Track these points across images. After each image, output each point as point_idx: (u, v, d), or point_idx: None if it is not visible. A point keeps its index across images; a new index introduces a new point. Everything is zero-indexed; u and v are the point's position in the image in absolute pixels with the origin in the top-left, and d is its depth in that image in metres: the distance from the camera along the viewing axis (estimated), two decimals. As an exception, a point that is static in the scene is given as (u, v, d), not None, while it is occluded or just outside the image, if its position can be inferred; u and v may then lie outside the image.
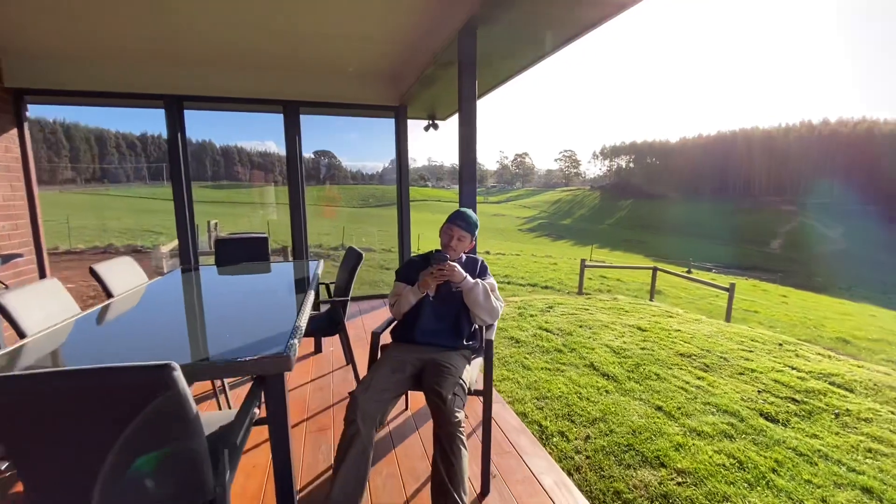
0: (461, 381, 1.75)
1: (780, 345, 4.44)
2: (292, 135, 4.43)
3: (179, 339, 1.75)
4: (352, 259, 2.81)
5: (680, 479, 2.31)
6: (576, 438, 2.74)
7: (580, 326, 4.94)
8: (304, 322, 1.80)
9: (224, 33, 3.22)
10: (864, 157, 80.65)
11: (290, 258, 5.09)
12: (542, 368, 3.79)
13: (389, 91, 4.61)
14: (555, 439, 2.73)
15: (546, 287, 12.74)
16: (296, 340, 1.55)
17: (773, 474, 2.36)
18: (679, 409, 3.06)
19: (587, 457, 2.57)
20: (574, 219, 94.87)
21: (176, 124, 4.17)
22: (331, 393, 2.77)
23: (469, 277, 1.98)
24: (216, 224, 14.90)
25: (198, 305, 2.28)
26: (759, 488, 2.26)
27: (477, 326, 2.11)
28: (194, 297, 2.45)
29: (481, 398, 1.85)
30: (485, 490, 1.86)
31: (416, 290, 2.00)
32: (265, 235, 3.74)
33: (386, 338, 2.10)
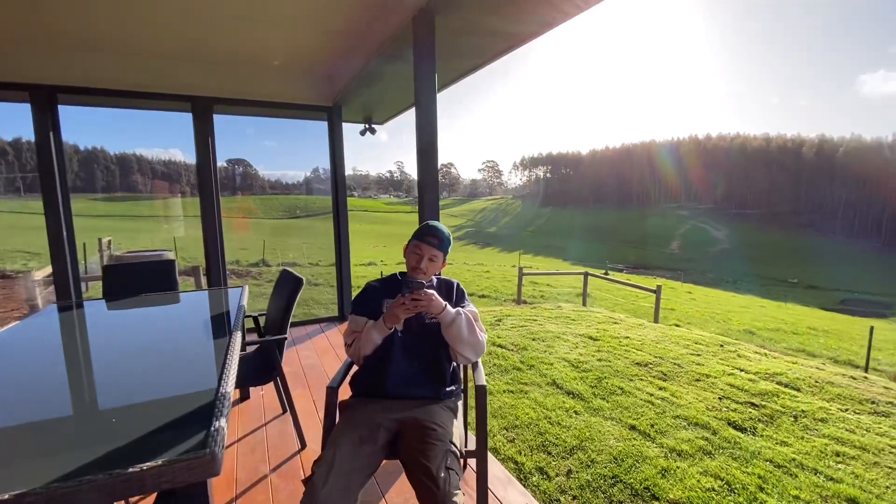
0: (453, 448, 1.35)
1: (722, 346, 4.59)
2: (204, 137, 3.74)
3: (24, 436, 1.13)
4: (288, 285, 2.28)
5: (677, 514, 2.10)
6: (557, 475, 2.45)
7: (533, 339, 4.75)
8: (230, 385, 1.29)
9: (112, 10, 2.53)
10: (740, 168, 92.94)
11: (204, 281, 4.33)
12: (504, 391, 3.49)
13: (322, 89, 4.09)
14: (534, 479, 2.41)
15: (483, 296, 12.67)
16: (223, 422, 1.05)
17: (762, 493, 2.24)
18: (652, 426, 2.91)
19: (574, 497, 2.28)
20: (499, 226, 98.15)
21: (47, 121, 3.31)
22: (266, 456, 2.20)
23: (449, 307, 1.59)
24: (109, 241, 12.88)
25: (67, 365, 1.63)
26: (755, 513, 2.12)
27: (457, 365, 1.73)
28: (63, 352, 1.78)
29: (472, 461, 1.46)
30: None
31: (382, 326, 1.57)
32: (171, 258, 3.04)
33: (344, 391, 1.63)
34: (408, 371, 1.57)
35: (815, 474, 2.42)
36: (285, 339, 2.15)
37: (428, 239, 1.69)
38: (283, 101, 4.07)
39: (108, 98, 3.56)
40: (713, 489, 2.27)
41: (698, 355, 4.25)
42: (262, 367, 2.18)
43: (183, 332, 1.99)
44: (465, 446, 1.48)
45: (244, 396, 2.79)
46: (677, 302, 15.30)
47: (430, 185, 2.31)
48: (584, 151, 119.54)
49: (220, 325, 1.99)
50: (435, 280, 1.81)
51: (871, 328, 7.14)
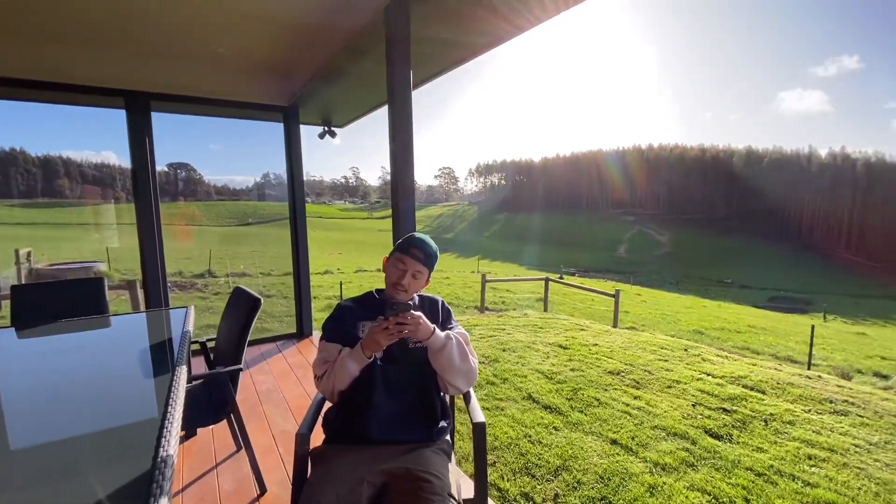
0: (452, 503, 1.15)
1: (686, 350, 4.67)
2: (140, 136, 3.32)
3: None
4: (242, 306, 1.99)
5: (671, 536, 2.01)
6: (544, 500, 2.30)
7: (503, 350, 4.62)
8: (173, 444, 1.02)
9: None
10: (679, 176, 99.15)
11: (142, 296, 3.86)
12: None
13: (278, 87, 3.77)
14: (520, 506, 2.25)
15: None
16: (165, 501, 0.80)
17: (749, 506, 2.20)
18: (633, 438, 2.84)
19: (565, 521, 2.14)
20: (456, 232, 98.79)
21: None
22: (218, 507, 1.89)
23: (438, 330, 1.39)
24: (29, 253, 11.49)
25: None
26: (745, 528, 2.06)
27: (447, 397, 1.53)
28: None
29: (474, 510, 1.27)
30: None
31: (359, 354, 1.34)
32: (101, 271, 2.62)
33: (317, 435, 1.38)
34: (392, 409, 1.35)
35: (794, 480, 2.43)
36: (241, 369, 1.86)
37: (413, 252, 1.49)
38: (232, 100, 3.72)
39: (20, 90, 3.07)
40: (702, 506, 2.21)
41: (666, 361, 4.30)
42: (213, 403, 1.88)
43: (110, 370, 1.65)
44: (460, 494, 1.28)
45: (190, 433, 2.44)
46: (629, 304, 15.87)
47: (405, 191, 2.11)
48: (536, 159, 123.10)
49: (163, 357, 1.67)
50: (417, 298, 1.61)
51: (812, 327, 7.66)
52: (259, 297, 1.95)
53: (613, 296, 8.63)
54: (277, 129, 4.09)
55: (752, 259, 73.26)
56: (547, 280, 10.24)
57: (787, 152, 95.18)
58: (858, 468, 2.55)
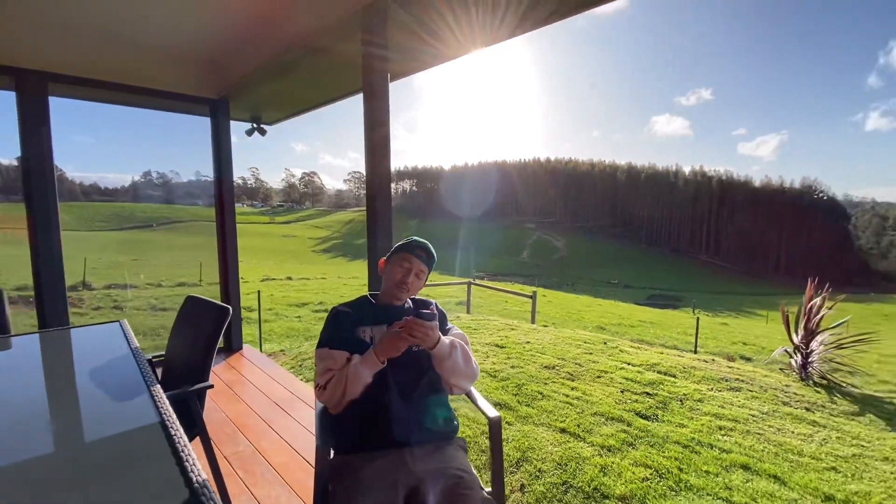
0: (486, 496, 1.18)
1: (605, 343, 5.17)
2: (35, 123, 2.80)
3: None
4: (205, 317, 1.80)
5: (628, 509, 2.24)
6: (512, 491, 2.41)
7: (444, 353, 4.69)
8: (200, 470, 0.92)
9: None
10: (573, 187, 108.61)
11: (35, 312, 3.22)
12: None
13: (208, 77, 3.44)
14: (491, 501, 2.33)
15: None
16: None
17: (683, 474, 2.53)
18: (578, 426, 3.08)
19: (535, 500, 2.27)
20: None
21: None
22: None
23: (443, 338, 1.41)
24: None
25: None
26: (683, 492, 2.37)
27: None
28: None
29: None
30: None
31: (373, 360, 1.31)
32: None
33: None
34: (409, 412, 1.34)
35: (712, 448, 2.84)
36: (210, 386, 1.68)
37: (418, 252, 1.50)
38: (152, 88, 3.31)
39: None
40: (647, 478, 2.48)
41: (591, 353, 4.72)
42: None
43: (29, 421, 1.38)
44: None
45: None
46: (538, 304, 17.04)
47: (381, 193, 2.08)
48: (446, 167, 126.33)
49: (119, 381, 1.45)
50: (410, 302, 1.62)
51: (697, 319, 8.95)
52: (227, 306, 1.78)
53: (531, 297, 9.22)
54: (164, 121, 3.72)
55: (633, 262, 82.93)
56: (470, 283, 10.58)
57: (660, 168, 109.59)
58: (758, 434, 3.07)
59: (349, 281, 20.09)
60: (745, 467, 2.62)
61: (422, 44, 2.33)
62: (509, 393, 3.65)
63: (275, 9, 2.41)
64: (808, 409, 3.53)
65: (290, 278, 20.75)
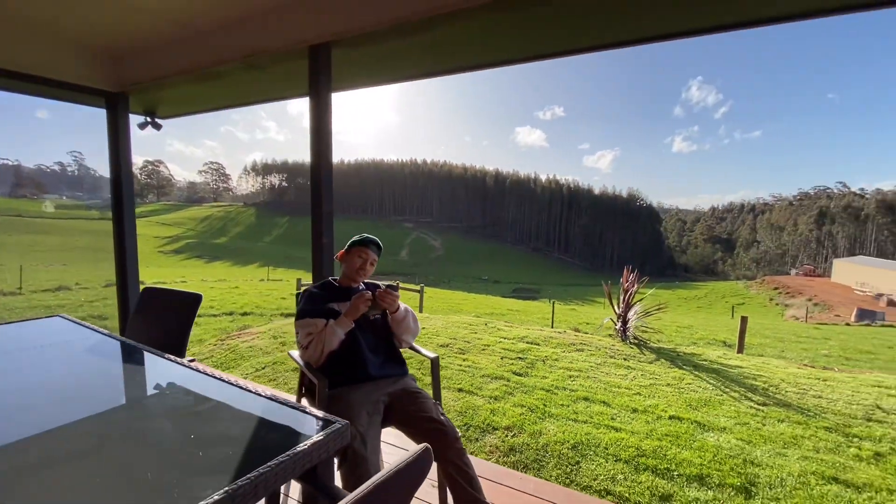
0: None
1: (486, 324, 6.15)
2: None
3: None
4: (172, 307, 2.05)
5: (511, 433, 3.05)
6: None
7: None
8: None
9: None
10: (448, 189, 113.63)
11: None
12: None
13: (107, 70, 3.36)
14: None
15: (246, 314, 11.64)
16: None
17: (547, 408, 3.46)
18: (471, 385, 3.87)
19: (445, 446, 2.94)
20: (230, 237, 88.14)
21: None
22: None
23: (402, 304, 1.99)
24: None
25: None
26: (548, 420, 3.28)
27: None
28: None
29: (437, 413, 1.92)
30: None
31: (345, 322, 1.82)
32: None
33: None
34: (377, 357, 1.88)
35: (565, 390, 3.87)
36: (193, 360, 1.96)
37: (372, 247, 2.04)
38: (37, 75, 3.13)
39: None
40: (523, 414, 3.35)
41: (476, 333, 5.62)
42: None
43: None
44: (427, 405, 1.93)
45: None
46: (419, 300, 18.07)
47: (324, 195, 2.50)
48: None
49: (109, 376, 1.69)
50: (363, 284, 2.14)
51: (553, 304, 10.67)
52: (199, 294, 2.06)
53: (419, 291, 10.00)
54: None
55: (500, 259, 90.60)
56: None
57: (522, 176, 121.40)
58: (595, 377, 4.22)
59: (216, 284, 18.44)
60: (586, 399, 3.68)
61: (364, 70, 2.83)
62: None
63: (210, 20, 2.65)
64: (625, 359, 4.89)
65: (141, 283, 18.17)
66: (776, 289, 55.06)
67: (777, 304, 48.47)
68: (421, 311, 9.70)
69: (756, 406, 3.61)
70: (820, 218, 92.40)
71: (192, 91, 3.61)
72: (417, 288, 10.30)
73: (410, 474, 0.76)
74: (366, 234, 2.09)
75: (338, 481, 1.49)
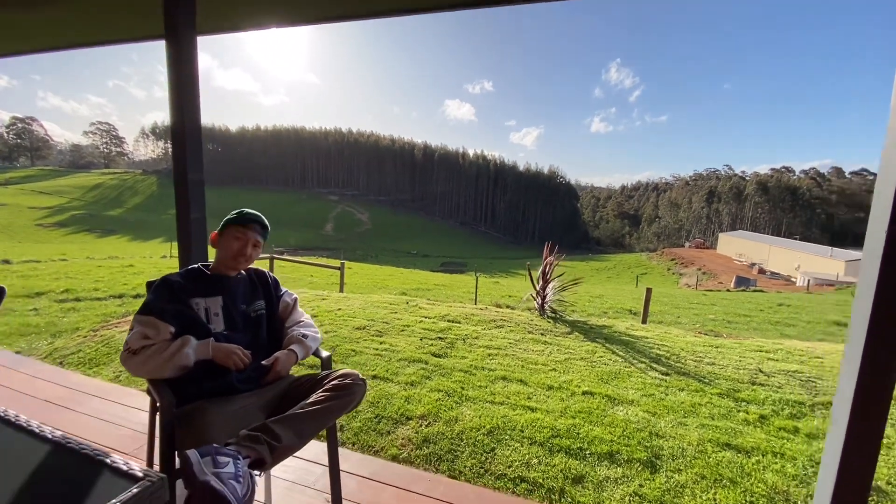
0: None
1: (407, 303, 5.92)
2: None
3: None
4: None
5: (426, 422, 2.87)
6: (342, 428, 2.76)
7: (253, 327, 4.60)
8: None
9: None
10: (375, 161, 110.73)
11: None
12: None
13: None
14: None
15: (139, 296, 10.30)
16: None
17: (464, 391, 3.33)
18: (387, 371, 3.63)
19: (353, 443, 2.69)
20: (127, 209, 78.61)
21: None
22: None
23: (298, 351, 1.64)
24: None
25: None
26: (465, 404, 3.15)
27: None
28: None
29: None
30: None
31: (206, 350, 1.43)
32: None
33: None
34: (251, 367, 1.53)
35: (483, 370, 3.77)
36: None
37: (253, 225, 1.65)
38: None
39: None
40: (440, 399, 3.18)
41: (395, 313, 5.37)
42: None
43: None
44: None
45: None
46: (346, 276, 17.41)
47: (191, 160, 2.03)
48: (233, 128, 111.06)
49: None
50: (243, 273, 1.75)
51: (477, 278, 10.74)
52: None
53: (339, 269, 9.48)
54: None
55: (428, 234, 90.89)
56: (272, 258, 10.12)
57: (450, 149, 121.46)
58: (513, 355, 4.18)
59: (106, 262, 16.20)
60: (504, 378, 3.61)
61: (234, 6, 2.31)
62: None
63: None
64: (542, 335, 4.95)
65: (7, 262, 15.44)
66: (673, 259, 61.70)
67: (673, 274, 54.39)
68: (342, 290, 9.23)
69: (660, 376, 3.80)
70: (710, 196, 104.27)
71: (24, 18, 2.79)
72: (338, 265, 9.75)
73: None
74: (246, 210, 1.69)
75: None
